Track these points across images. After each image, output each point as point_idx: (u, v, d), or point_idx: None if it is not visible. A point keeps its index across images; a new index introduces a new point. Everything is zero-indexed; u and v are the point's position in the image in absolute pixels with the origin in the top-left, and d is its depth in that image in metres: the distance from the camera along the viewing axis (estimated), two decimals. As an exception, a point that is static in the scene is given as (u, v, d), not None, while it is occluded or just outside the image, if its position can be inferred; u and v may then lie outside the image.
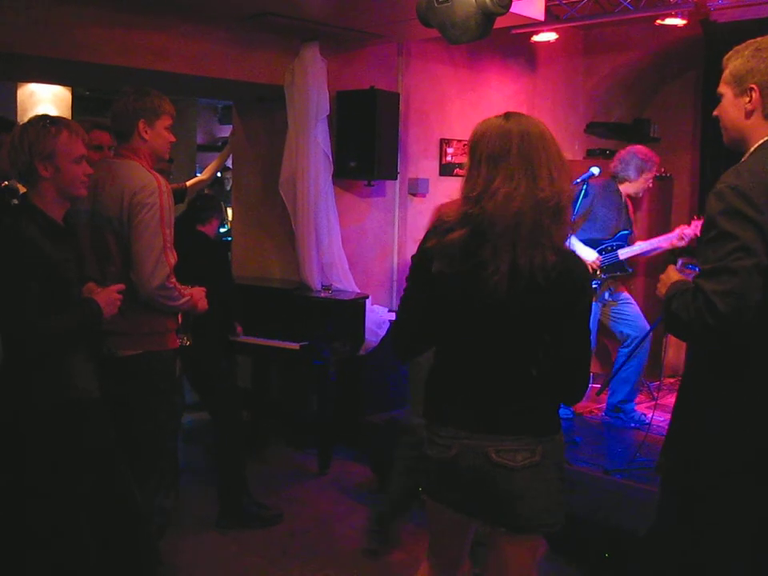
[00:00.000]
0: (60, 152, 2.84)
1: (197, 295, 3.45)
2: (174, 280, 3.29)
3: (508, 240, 2.19)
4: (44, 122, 2.89)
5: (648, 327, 5.42)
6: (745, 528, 2.32)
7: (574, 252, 2.34)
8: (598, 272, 5.35)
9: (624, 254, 5.39)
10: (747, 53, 2.35)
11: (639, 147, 5.44)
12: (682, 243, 5.33)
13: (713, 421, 2.32)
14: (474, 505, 2.38)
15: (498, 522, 2.36)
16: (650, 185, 5.37)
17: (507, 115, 2.30)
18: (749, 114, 2.36)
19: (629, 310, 5.47)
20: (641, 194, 5.40)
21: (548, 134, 2.28)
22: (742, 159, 2.34)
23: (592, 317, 5.28)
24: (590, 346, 2.41)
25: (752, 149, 2.33)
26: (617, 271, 5.41)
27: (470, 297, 2.28)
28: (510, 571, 2.42)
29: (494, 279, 2.20)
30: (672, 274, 2.40)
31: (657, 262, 6.24)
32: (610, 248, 5.40)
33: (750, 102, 2.35)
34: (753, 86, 2.34)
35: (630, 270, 5.50)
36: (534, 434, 2.32)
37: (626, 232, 5.43)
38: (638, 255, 5.45)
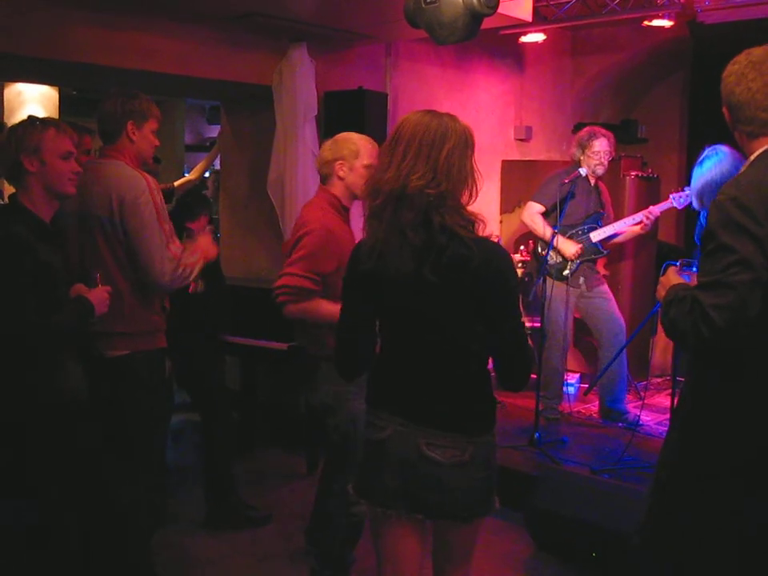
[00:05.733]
0: (46, 147, 2.85)
1: (203, 246, 3.46)
2: (179, 262, 3.29)
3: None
4: (31, 119, 2.92)
5: (623, 325, 5.45)
6: (730, 534, 2.32)
7: (491, 242, 2.37)
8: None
9: (596, 236, 5.41)
10: (723, 74, 2.38)
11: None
12: (649, 221, 5.37)
13: (704, 424, 2.33)
14: (403, 492, 2.37)
15: (426, 511, 2.38)
16: (603, 158, 5.33)
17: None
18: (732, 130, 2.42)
19: (604, 306, 5.48)
20: (600, 170, 5.36)
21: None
22: (742, 169, 2.35)
23: (566, 305, 5.35)
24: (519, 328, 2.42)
25: (751, 158, 2.33)
26: (591, 254, 5.43)
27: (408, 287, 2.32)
28: (452, 551, 2.51)
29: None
30: (672, 277, 2.41)
31: (641, 254, 6.26)
32: (581, 231, 5.42)
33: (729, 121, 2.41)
34: (724, 109, 2.39)
35: (606, 252, 5.51)
36: (466, 434, 2.35)
37: (595, 214, 5.44)
38: (610, 237, 5.47)
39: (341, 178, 3.45)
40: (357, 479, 2.51)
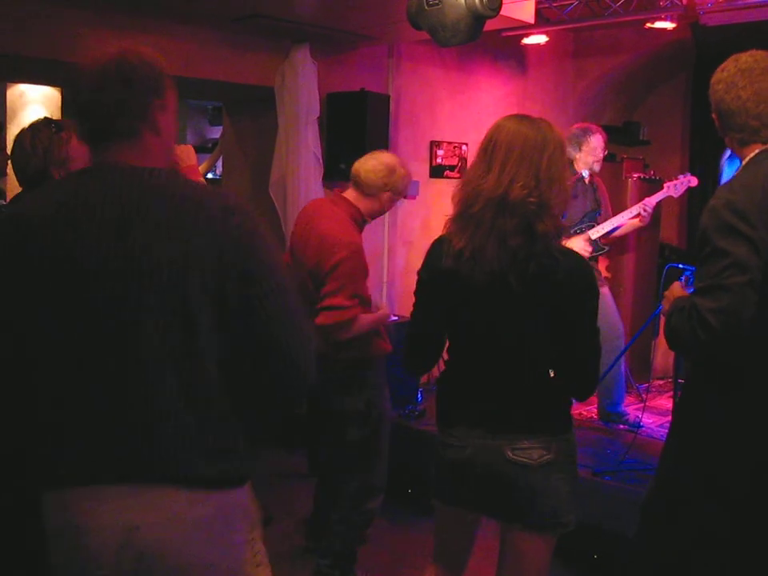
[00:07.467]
0: (73, 157, 2.87)
1: (183, 159, 3.33)
2: None
3: None
4: (51, 127, 2.90)
5: (621, 330, 5.43)
6: (727, 540, 2.33)
7: (577, 255, 2.39)
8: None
9: (594, 233, 5.39)
10: (712, 80, 2.39)
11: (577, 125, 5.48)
12: (646, 213, 5.34)
13: (705, 432, 2.33)
14: (489, 503, 2.40)
15: (513, 519, 2.39)
16: (600, 155, 5.28)
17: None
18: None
19: (603, 312, 5.44)
20: (597, 167, 5.32)
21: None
22: (736, 173, 2.35)
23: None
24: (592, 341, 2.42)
25: (744, 162, 2.34)
26: (592, 251, 5.41)
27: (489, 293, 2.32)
28: (525, 567, 2.46)
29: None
30: (675, 291, 2.42)
31: (643, 256, 6.26)
32: (579, 230, 5.40)
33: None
34: (714, 115, 2.40)
35: (607, 249, 5.49)
36: (549, 433, 2.35)
37: (592, 212, 5.42)
38: (609, 232, 5.45)
39: (380, 204, 3.61)
40: (437, 491, 2.53)
